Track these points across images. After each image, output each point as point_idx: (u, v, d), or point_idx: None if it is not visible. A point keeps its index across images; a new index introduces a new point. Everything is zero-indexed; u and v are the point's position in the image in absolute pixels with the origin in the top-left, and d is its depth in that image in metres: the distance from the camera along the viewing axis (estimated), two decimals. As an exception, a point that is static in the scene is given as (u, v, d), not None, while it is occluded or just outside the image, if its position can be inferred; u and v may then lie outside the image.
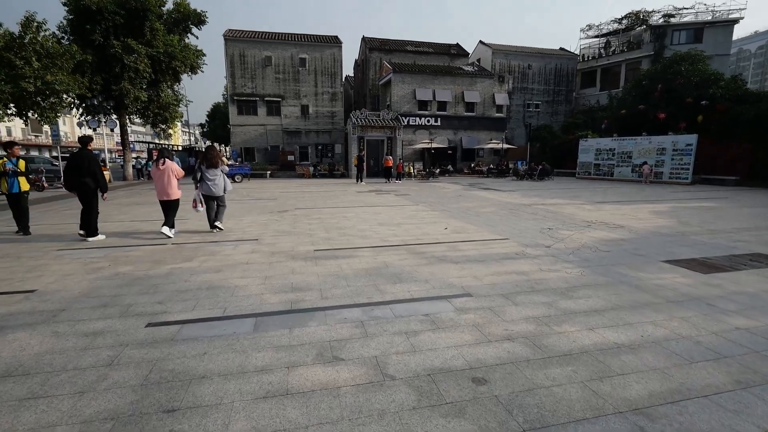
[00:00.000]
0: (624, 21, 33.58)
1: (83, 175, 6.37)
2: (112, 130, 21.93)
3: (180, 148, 40.18)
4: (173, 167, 6.90)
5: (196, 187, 7.15)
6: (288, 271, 4.77)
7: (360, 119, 25.46)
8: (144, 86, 21.93)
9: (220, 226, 7.36)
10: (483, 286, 4.20)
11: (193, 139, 68.55)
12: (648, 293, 3.98)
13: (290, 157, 28.50)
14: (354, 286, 4.19)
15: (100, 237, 6.65)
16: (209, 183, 7.02)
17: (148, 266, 4.99)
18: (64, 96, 14.60)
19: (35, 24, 12.66)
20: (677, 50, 24.95)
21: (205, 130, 52.45)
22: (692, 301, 3.76)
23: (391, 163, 21.28)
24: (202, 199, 7.11)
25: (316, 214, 9.64)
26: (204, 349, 2.85)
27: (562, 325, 3.23)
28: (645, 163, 19.40)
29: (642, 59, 31.15)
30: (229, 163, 24.07)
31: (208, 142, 57.31)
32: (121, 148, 24.99)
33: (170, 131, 29.13)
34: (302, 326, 3.22)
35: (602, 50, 35.28)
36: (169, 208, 6.84)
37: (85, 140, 6.48)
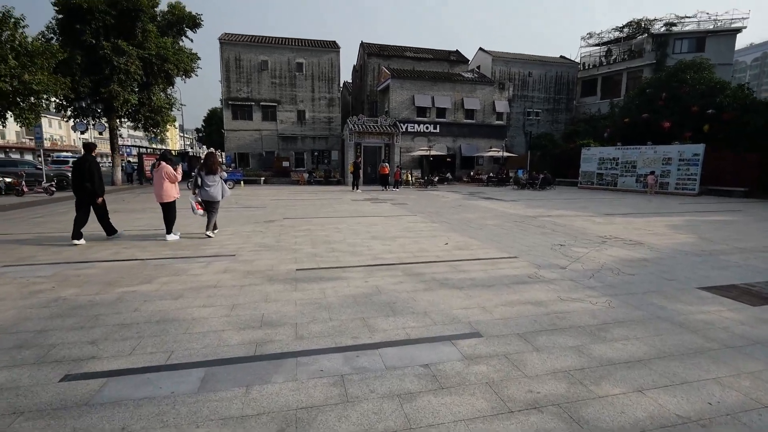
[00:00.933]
0: (625, 29, 33.27)
1: (85, 179, 6.49)
2: (100, 134, 21.19)
3: (174, 153, 39.37)
4: (167, 170, 6.87)
5: (194, 192, 7.22)
6: (261, 297, 4.03)
7: (357, 125, 24.84)
8: (135, 89, 21.28)
9: (213, 232, 7.33)
10: (494, 321, 3.46)
11: (188, 143, 67.81)
12: (696, 334, 3.25)
13: (285, 163, 27.78)
14: (337, 320, 3.45)
15: (82, 242, 6.56)
16: (208, 189, 7.10)
17: (97, 289, 4.23)
18: (45, 97, 13.86)
19: (12, 20, 11.96)
20: (679, 59, 24.54)
21: (201, 135, 51.80)
22: (754, 347, 3.03)
23: (387, 171, 20.59)
24: (201, 203, 7.24)
25: (305, 225, 8.90)
26: (123, 421, 2.10)
27: (602, 383, 2.50)
28: (652, 173, 18.77)
29: (643, 68, 30.77)
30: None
31: (204, 148, 56.69)
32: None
33: (166, 135, 28.43)
34: (264, 382, 2.47)
35: (603, 58, 34.93)
36: (164, 211, 6.91)
37: (89, 146, 6.76)
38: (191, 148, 65.15)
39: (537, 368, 2.67)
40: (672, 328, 3.35)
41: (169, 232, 6.95)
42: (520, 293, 4.21)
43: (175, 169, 7.05)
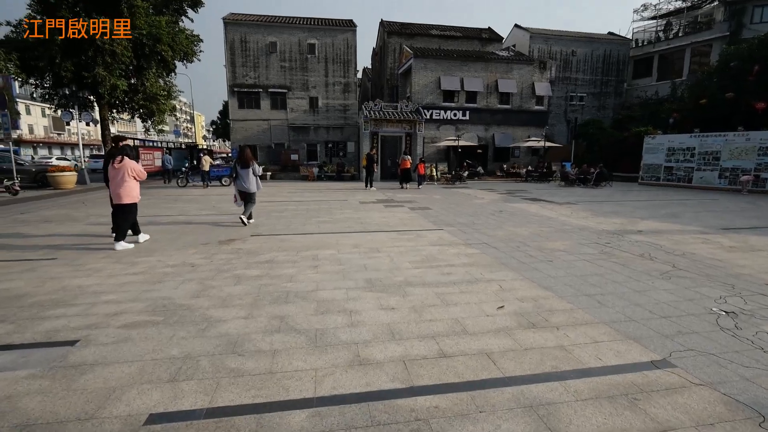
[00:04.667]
0: (689, -3, 28.40)
1: None
2: (87, 124, 18.99)
3: (183, 146, 37.44)
4: (132, 165, 5.85)
5: (233, 183, 7.71)
6: None
7: (374, 112, 21.66)
8: (130, 73, 18.99)
9: (248, 220, 7.67)
10: None
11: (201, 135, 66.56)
12: None
13: (294, 157, 24.97)
14: None
15: (137, 240, 6.20)
16: (242, 181, 7.51)
17: None
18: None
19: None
20: (758, 30, 19.95)
21: (215, 126, 50.15)
22: None
23: (409, 164, 17.29)
24: (239, 195, 7.64)
25: (272, 250, 5.89)
26: None
27: None
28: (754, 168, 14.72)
29: (713, 42, 25.96)
30: (216, 162, 20.79)
31: (219, 140, 55.01)
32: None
33: (189, 129, 26.43)
34: None
35: (661, 33, 30.14)
36: (121, 213, 5.82)
37: (115, 139, 6.38)
38: (204, 140, 63.79)
39: None
40: None
41: (120, 238, 5.80)
42: None
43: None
